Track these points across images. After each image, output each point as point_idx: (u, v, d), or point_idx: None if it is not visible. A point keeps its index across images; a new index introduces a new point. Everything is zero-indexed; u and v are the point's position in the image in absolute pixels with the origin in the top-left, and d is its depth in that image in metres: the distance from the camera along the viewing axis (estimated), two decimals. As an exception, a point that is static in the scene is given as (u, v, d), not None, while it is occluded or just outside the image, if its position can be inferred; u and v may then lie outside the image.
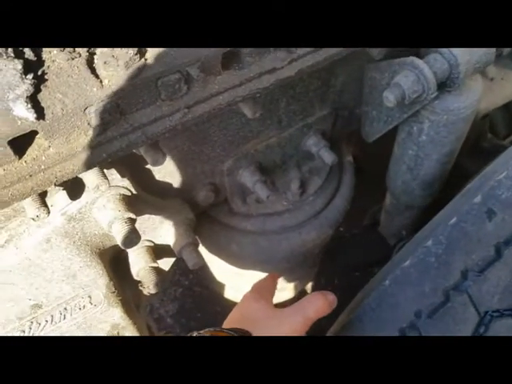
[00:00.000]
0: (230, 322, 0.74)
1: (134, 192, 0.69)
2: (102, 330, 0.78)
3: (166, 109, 0.59)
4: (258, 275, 1.05)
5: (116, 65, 0.52)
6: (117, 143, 0.57)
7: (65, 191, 0.63)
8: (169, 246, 0.83)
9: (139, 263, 0.79)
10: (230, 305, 0.98)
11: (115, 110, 0.55)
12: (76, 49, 0.51)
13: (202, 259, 0.82)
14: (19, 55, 0.47)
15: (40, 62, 0.49)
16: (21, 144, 0.51)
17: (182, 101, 0.60)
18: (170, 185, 0.83)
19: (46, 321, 0.72)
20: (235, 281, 1.22)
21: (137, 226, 0.66)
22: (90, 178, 0.64)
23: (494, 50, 0.79)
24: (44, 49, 0.49)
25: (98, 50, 0.52)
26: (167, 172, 0.81)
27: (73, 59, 0.51)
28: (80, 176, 0.64)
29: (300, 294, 1.39)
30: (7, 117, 0.47)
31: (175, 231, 0.81)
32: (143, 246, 0.81)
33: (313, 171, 1.02)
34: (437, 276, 0.67)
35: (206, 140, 0.79)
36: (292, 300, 1.37)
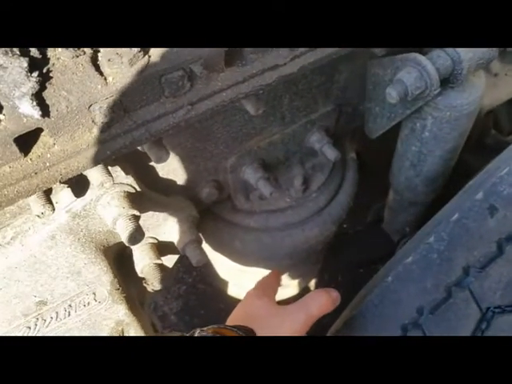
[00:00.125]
0: (234, 320, 0.74)
1: (138, 189, 0.69)
2: (106, 326, 0.79)
3: (169, 106, 0.59)
4: (261, 272, 1.05)
5: (120, 62, 0.52)
6: (121, 140, 0.58)
7: (69, 188, 0.63)
8: (172, 243, 0.83)
9: (143, 260, 0.80)
10: (233, 302, 0.98)
11: (119, 107, 0.55)
12: (80, 47, 0.51)
13: (206, 256, 0.82)
14: (25, 53, 0.47)
15: (45, 60, 0.50)
16: (26, 141, 0.52)
17: (186, 98, 0.60)
18: (174, 182, 0.84)
19: (51, 317, 0.72)
20: (238, 278, 1.23)
21: (141, 222, 0.66)
22: (95, 175, 0.64)
23: (497, 46, 0.79)
24: (49, 47, 0.50)
25: (102, 48, 0.53)
26: (171, 169, 0.81)
27: (77, 57, 0.51)
28: (84, 173, 0.64)
29: (303, 291, 1.39)
30: (13, 114, 0.48)
31: (179, 228, 0.81)
32: (147, 242, 0.81)
33: (316, 168, 1.02)
34: (439, 272, 0.67)
35: (209, 137, 0.79)
36: (295, 297, 1.38)
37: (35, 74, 0.48)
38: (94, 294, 0.74)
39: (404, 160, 0.98)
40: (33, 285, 0.67)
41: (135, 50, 0.52)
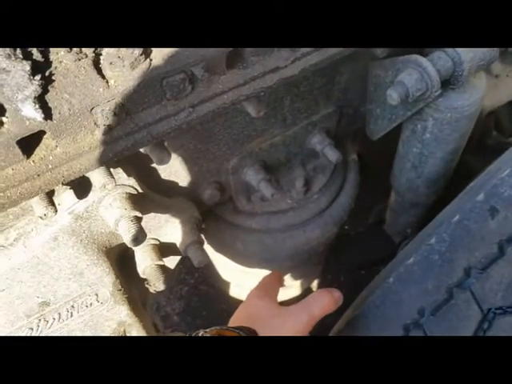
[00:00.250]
0: (236, 320, 0.74)
1: (140, 191, 0.69)
2: (108, 327, 0.79)
3: (171, 108, 0.60)
4: (263, 273, 1.05)
5: (122, 65, 0.52)
6: (123, 143, 0.58)
7: (72, 190, 0.64)
8: (174, 244, 0.84)
9: (145, 261, 0.80)
10: (235, 303, 0.98)
11: (121, 109, 0.55)
12: (82, 50, 0.52)
13: (207, 257, 0.82)
14: (27, 56, 0.48)
15: (47, 63, 0.50)
16: (29, 144, 0.52)
17: (187, 100, 0.60)
18: (176, 183, 0.84)
19: (54, 318, 0.72)
20: (240, 279, 1.23)
21: (143, 224, 0.66)
22: (97, 177, 0.64)
23: (498, 47, 0.79)
24: (51, 50, 0.50)
25: (104, 51, 0.53)
26: (173, 171, 0.81)
27: (79, 60, 0.51)
28: (87, 175, 0.64)
29: (305, 292, 1.39)
30: (16, 117, 0.48)
31: (181, 229, 0.82)
32: (149, 244, 0.81)
33: (317, 169, 1.02)
34: (440, 273, 0.67)
35: (210, 139, 0.80)
36: (297, 298, 1.38)
37: (38, 77, 0.48)
38: (97, 294, 0.74)
39: (405, 161, 0.98)
40: (35, 286, 0.67)
41: (137, 53, 0.52)
